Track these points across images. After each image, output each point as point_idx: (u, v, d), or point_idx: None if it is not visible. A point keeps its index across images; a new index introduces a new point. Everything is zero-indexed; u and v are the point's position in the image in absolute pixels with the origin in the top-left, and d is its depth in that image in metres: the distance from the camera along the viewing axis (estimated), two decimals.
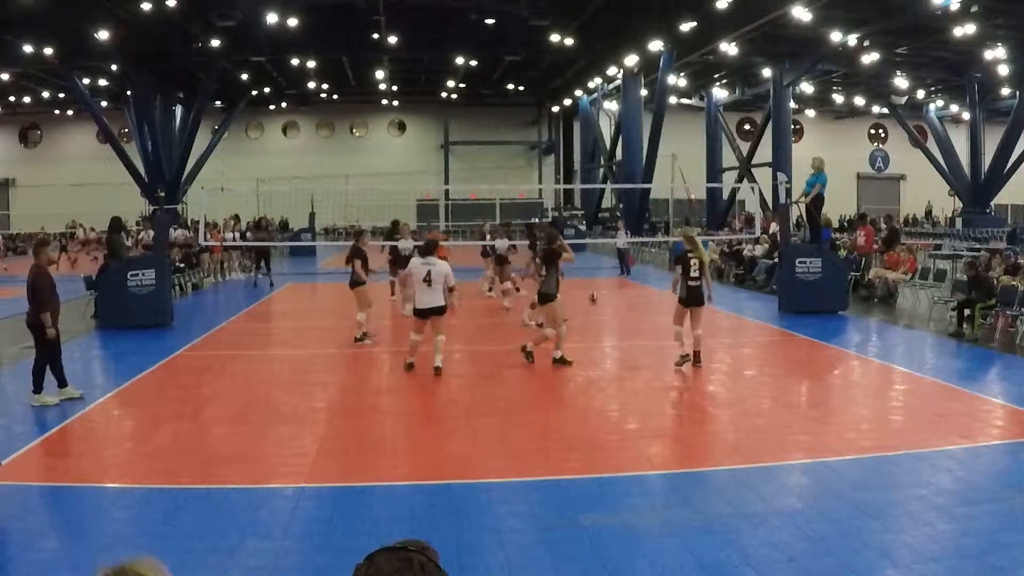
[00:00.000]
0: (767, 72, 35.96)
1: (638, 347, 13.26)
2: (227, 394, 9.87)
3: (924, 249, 25.57)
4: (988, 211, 37.31)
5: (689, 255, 10.66)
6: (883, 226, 24.01)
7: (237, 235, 25.52)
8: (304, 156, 49.43)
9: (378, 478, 6.64)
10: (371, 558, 1.66)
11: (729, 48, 30.21)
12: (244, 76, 38.52)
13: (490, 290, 18.51)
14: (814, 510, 5.84)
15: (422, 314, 10.25)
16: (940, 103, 41.45)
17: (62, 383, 9.28)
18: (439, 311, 10.24)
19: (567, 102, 48.33)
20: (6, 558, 5.18)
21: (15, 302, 18.44)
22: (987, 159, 35.75)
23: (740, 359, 11.92)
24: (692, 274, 10.59)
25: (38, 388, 9.11)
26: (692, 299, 10.63)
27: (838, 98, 44.88)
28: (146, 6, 25.78)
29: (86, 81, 35.98)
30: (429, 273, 10.06)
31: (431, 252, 10.35)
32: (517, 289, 17.32)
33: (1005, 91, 35.56)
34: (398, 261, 16.57)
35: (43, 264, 9.43)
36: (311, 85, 42.98)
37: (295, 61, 35.41)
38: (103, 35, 28.13)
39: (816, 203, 16.85)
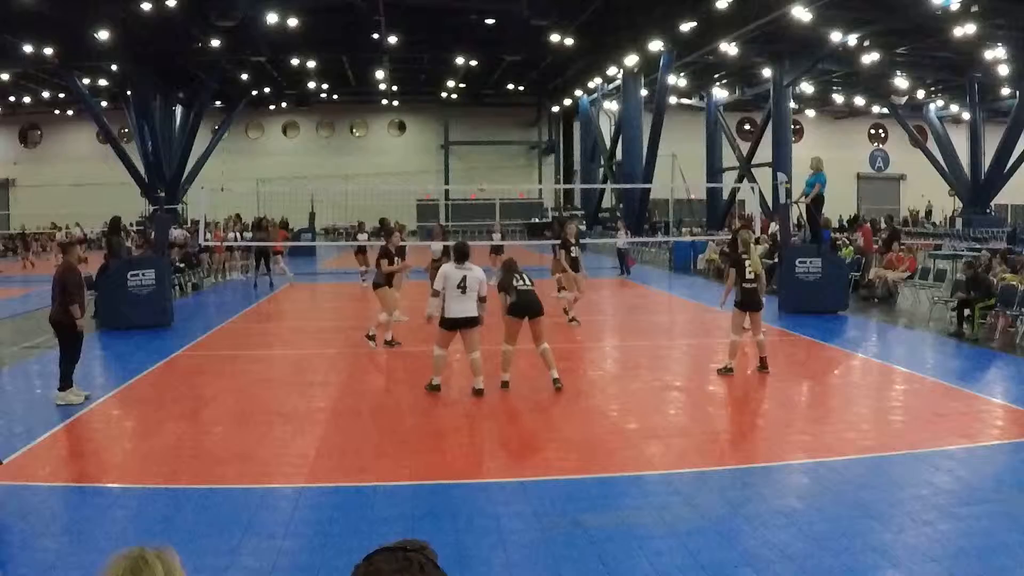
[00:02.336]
0: (767, 72, 35.97)
1: (638, 347, 13.26)
2: (227, 394, 9.86)
3: (924, 249, 25.58)
4: (988, 211, 37.31)
5: (744, 257, 10.52)
6: (883, 226, 24.03)
7: (238, 235, 25.53)
8: (304, 156, 49.46)
9: (378, 478, 6.63)
10: (370, 559, 1.66)
11: (729, 48, 30.21)
12: (244, 76, 38.53)
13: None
14: (814, 510, 5.84)
15: (453, 324, 9.27)
16: (940, 103, 41.45)
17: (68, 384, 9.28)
18: (472, 322, 9.27)
19: (567, 102, 48.33)
20: (6, 558, 5.18)
21: (15, 302, 18.49)
22: (987, 159, 35.75)
23: (740, 359, 11.91)
24: (747, 276, 10.38)
25: (62, 386, 9.11)
26: (750, 302, 10.42)
27: (838, 98, 44.88)
28: (146, 6, 25.77)
29: (86, 81, 35.99)
30: (464, 279, 9.16)
31: (468, 257, 9.43)
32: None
33: (1005, 91, 35.56)
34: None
35: (73, 261, 9.65)
36: (311, 85, 42.99)
37: (295, 61, 35.41)
38: (103, 35, 28.14)
39: (816, 203, 16.86)
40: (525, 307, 9.49)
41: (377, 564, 1.63)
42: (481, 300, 9.32)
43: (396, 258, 12.64)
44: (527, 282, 9.59)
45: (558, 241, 16.40)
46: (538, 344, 9.63)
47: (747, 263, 10.46)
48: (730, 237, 26.92)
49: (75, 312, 9.18)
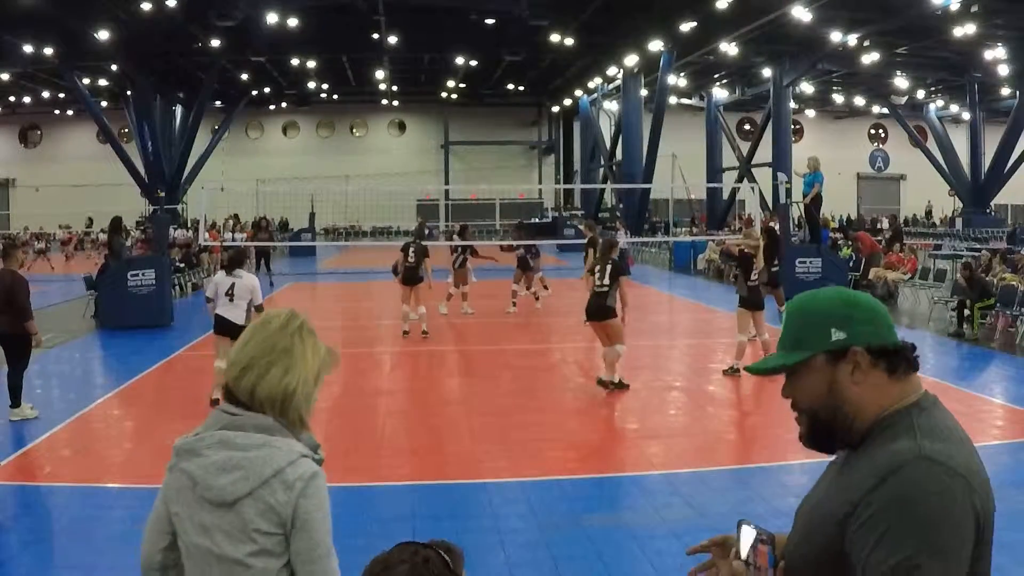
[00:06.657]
0: (767, 72, 35.95)
1: (638, 347, 13.24)
2: None
3: (924, 249, 25.58)
4: (988, 211, 37.31)
5: (751, 255, 10.57)
6: (886, 226, 24.03)
7: (237, 235, 25.53)
8: (304, 156, 49.42)
9: (378, 478, 6.64)
10: (390, 551, 1.70)
11: (729, 48, 30.20)
12: (244, 76, 38.49)
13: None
14: None
15: (220, 329, 9.08)
16: (940, 103, 41.42)
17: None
18: (237, 330, 9.01)
19: (567, 102, 48.30)
20: (6, 558, 5.18)
21: None
22: (987, 159, 35.74)
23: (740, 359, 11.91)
24: (752, 277, 10.40)
25: (16, 402, 8.44)
26: (755, 301, 10.44)
27: (838, 98, 44.84)
28: (146, 6, 25.75)
29: (86, 81, 35.95)
30: (233, 287, 9.04)
31: (240, 265, 9.32)
32: (545, 288, 17.30)
33: (1005, 91, 35.54)
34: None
35: (16, 269, 8.70)
36: (311, 85, 42.95)
37: (295, 61, 35.37)
38: (103, 35, 28.11)
39: (815, 203, 16.88)
40: (587, 311, 9.54)
41: (393, 554, 1.68)
42: (257, 309, 8.93)
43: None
44: (603, 283, 9.31)
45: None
46: (604, 345, 9.56)
47: (754, 261, 10.49)
48: (726, 238, 26.98)
49: (30, 328, 8.37)
